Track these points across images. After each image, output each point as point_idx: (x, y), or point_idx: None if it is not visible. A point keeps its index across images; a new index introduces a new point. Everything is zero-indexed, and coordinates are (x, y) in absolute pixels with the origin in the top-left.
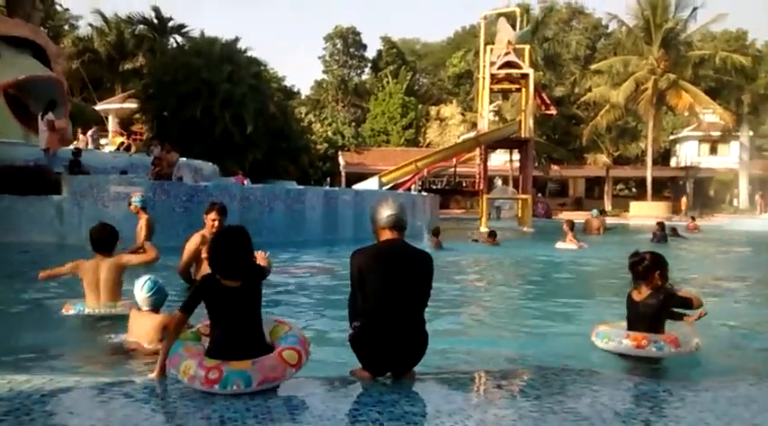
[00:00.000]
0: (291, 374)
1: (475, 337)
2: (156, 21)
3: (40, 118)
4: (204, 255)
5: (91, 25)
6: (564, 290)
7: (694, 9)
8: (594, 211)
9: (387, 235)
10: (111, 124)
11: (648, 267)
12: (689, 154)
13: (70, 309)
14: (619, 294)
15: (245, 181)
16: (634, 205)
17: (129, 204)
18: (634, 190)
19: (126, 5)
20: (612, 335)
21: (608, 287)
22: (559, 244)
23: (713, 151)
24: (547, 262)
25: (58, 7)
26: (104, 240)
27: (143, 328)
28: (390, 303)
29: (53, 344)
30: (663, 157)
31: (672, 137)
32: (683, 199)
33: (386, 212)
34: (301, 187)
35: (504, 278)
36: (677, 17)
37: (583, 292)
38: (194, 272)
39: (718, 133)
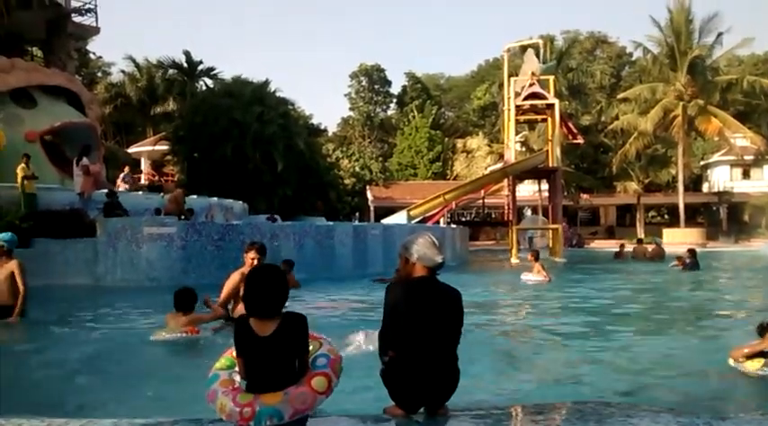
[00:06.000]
0: (322, 401)
1: (507, 372)
2: (186, 65)
3: (74, 163)
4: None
5: (123, 71)
6: (576, 321)
7: (719, 34)
8: (657, 239)
9: (421, 272)
10: (144, 166)
11: None
12: (721, 179)
13: None
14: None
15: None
16: (667, 232)
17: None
18: (666, 217)
19: (157, 50)
20: None
21: (619, 314)
22: (526, 276)
23: (746, 175)
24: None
25: (92, 56)
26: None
27: None
28: (422, 338)
29: (89, 385)
30: (694, 183)
31: (703, 163)
32: None
33: (436, 257)
34: (330, 223)
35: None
36: (702, 43)
37: (593, 322)
38: (232, 309)
39: (751, 157)
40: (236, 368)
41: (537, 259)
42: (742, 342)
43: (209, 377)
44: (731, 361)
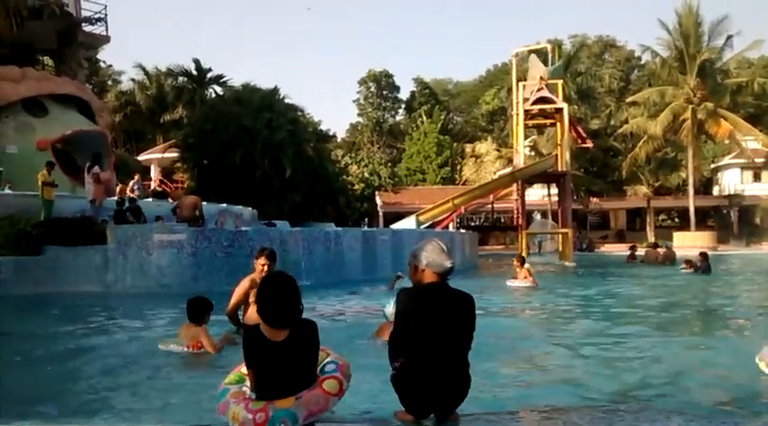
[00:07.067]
0: (335, 403)
1: (518, 376)
2: (195, 72)
3: (85, 170)
4: (252, 299)
5: (133, 79)
6: (579, 323)
7: (729, 37)
8: (668, 243)
9: (431, 278)
10: (154, 173)
11: None
12: (732, 182)
13: None
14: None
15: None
16: (678, 235)
17: None
18: (677, 220)
19: (166, 58)
20: None
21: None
22: (512, 282)
23: (757, 178)
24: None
25: (102, 64)
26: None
27: None
28: (433, 344)
29: (93, 390)
30: (705, 186)
31: (713, 166)
32: None
33: (445, 262)
34: (339, 229)
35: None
36: (711, 46)
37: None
38: (242, 315)
39: (762, 160)
40: (247, 383)
41: (522, 264)
42: (759, 345)
43: (218, 392)
44: (761, 364)
